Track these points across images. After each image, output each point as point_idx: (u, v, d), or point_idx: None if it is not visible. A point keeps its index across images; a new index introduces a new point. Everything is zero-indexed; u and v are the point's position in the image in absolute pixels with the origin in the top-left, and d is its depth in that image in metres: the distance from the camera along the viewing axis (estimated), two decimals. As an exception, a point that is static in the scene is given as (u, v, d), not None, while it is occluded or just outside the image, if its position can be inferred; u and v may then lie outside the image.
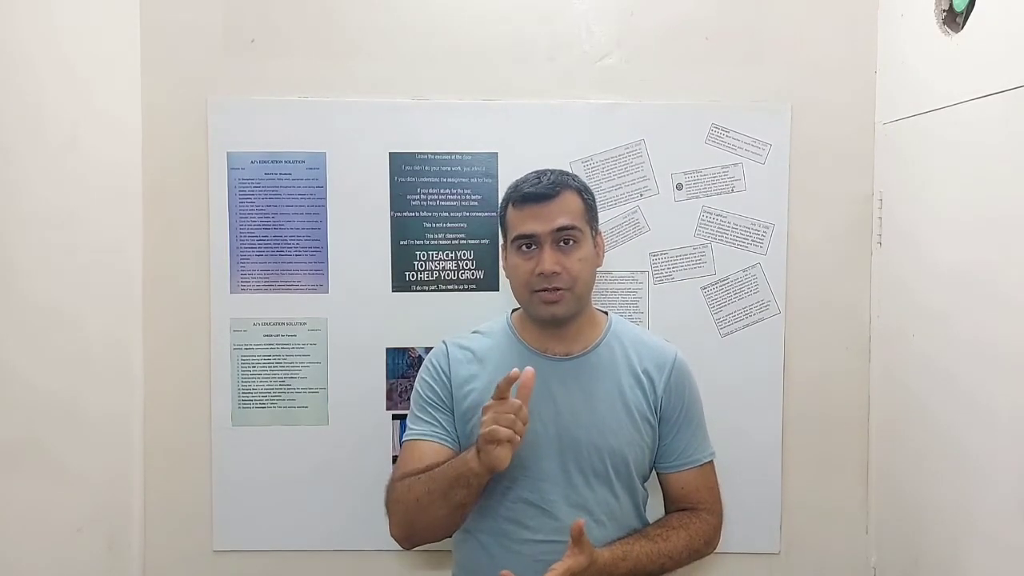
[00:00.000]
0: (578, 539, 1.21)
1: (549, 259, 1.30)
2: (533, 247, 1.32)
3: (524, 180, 1.37)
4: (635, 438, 1.37)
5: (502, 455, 1.18)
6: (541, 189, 1.32)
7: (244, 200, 1.65)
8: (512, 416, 1.18)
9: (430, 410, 1.39)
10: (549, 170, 1.38)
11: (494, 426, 1.17)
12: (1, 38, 1.23)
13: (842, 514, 1.69)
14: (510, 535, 1.34)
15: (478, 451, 1.21)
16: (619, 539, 1.33)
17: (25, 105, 1.29)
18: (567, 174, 1.39)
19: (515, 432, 1.17)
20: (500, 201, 1.41)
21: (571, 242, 1.32)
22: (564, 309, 1.33)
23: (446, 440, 1.37)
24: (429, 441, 1.37)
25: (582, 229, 1.33)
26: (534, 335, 1.40)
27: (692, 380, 1.44)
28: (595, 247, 1.38)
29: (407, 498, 1.29)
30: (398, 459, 1.43)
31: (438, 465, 1.30)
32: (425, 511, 1.28)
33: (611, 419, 1.36)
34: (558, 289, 1.31)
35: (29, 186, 1.29)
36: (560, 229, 1.31)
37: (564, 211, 1.32)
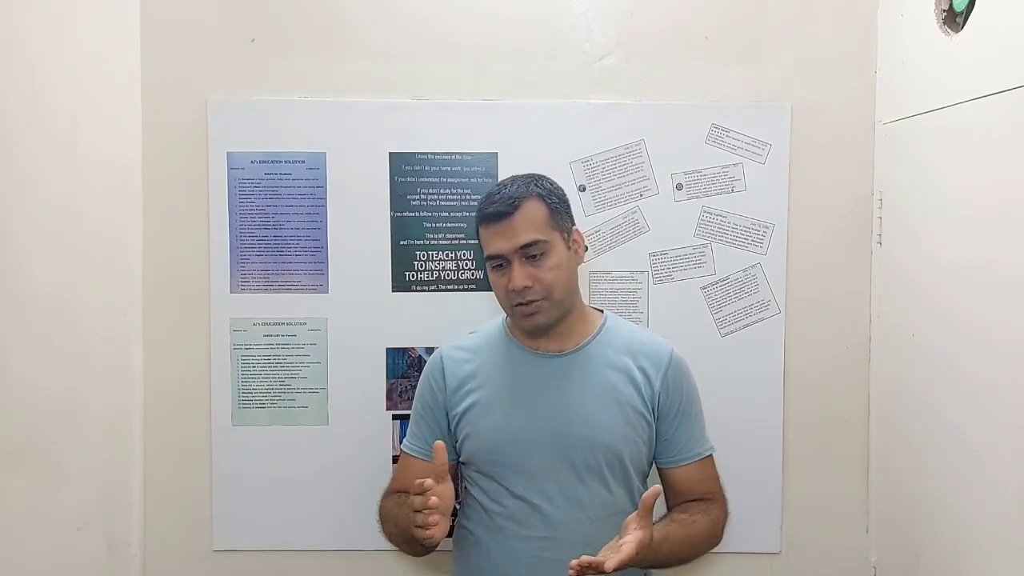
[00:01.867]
0: (649, 510, 1.20)
1: (518, 276, 1.30)
2: (503, 265, 1.33)
3: (489, 195, 1.36)
4: (629, 433, 1.37)
5: (431, 538, 1.20)
6: (498, 208, 1.32)
7: (244, 200, 1.65)
8: (420, 515, 1.18)
9: (421, 424, 1.44)
10: (511, 179, 1.37)
11: (415, 529, 1.19)
12: (4, 38, 1.23)
13: (842, 513, 1.69)
14: (506, 532, 1.35)
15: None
16: (655, 522, 1.31)
17: (27, 105, 1.29)
18: (530, 179, 1.37)
19: (429, 524, 1.18)
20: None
21: (539, 255, 1.32)
22: (545, 318, 1.34)
23: (431, 457, 1.38)
24: (417, 459, 1.42)
25: (548, 239, 1.32)
26: (526, 334, 1.41)
27: (690, 375, 1.44)
28: (570, 247, 1.37)
29: (386, 529, 1.41)
30: (396, 465, 1.50)
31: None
32: (400, 545, 1.40)
33: (604, 415, 1.36)
34: (533, 301, 1.32)
35: (31, 187, 1.29)
36: (523, 246, 1.31)
37: (525, 226, 1.31)
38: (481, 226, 1.36)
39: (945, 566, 1.39)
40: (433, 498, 1.17)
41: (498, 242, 1.32)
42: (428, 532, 1.18)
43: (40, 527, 1.33)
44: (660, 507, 1.46)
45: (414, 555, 1.42)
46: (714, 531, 1.40)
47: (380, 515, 1.43)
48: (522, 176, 1.38)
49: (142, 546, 1.66)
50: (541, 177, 1.39)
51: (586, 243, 1.45)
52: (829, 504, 1.69)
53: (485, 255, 1.36)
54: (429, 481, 1.18)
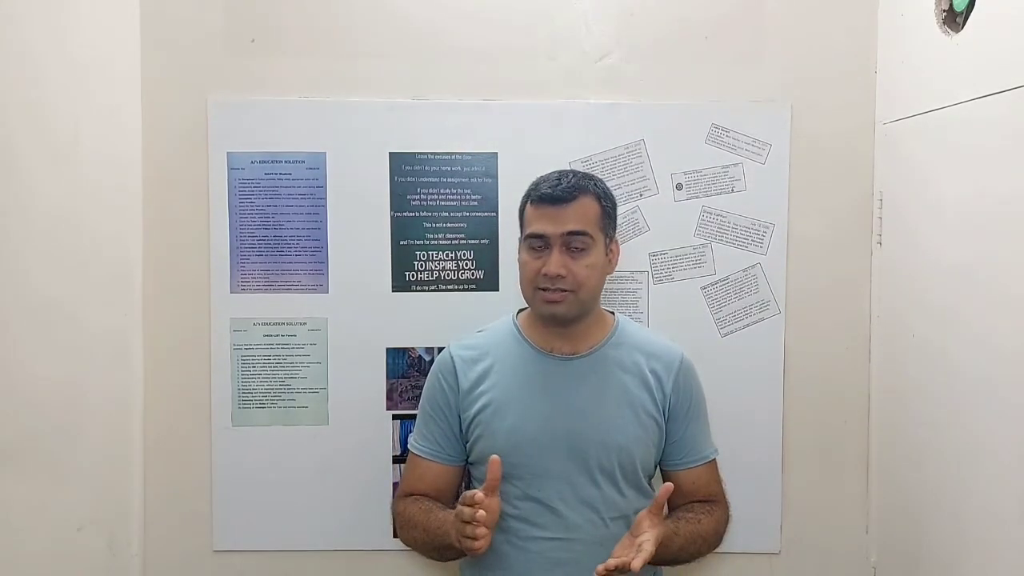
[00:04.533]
0: (661, 506, 1.25)
1: (555, 262, 1.30)
2: (543, 247, 1.33)
3: (546, 179, 1.36)
4: (641, 436, 1.38)
5: (477, 550, 1.21)
6: (559, 192, 1.32)
7: (244, 200, 1.65)
8: (469, 527, 1.20)
9: (431, 424, 1.44)
10: (573, 172, 1.38)
11: (462, 540, 1.21)
12: (4, 39, 1.23)
13: (842, 514, 1.69)
14: (518, 533, 1.35)
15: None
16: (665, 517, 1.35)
17: (27, 105, 1.28)
18: (590, 178, 1.38)
19: (478, 536, 1.19)
20: (522, 196, 1.41)
21: (581, 248, 1.32)
22: (565, 309, 1.33)
23: (443, 459, 1.42)
24: (428, 460, 1.42)
25: (594, 236, 1.33)
26: (539, 334, 1.40)
27: (698, 379, 1.46)
28: (607, 254, 1.37)
29: (408, 535, 1.41)
30: (405, 465, 1.51)
31: (438, 496, 1.41)
32: (423, 551, 1.41)
33: (617, 417, 1.36)
34: (562, 291, 1.31)
35: (31, 187, 1.29)
36: (571, 233, 1.31)
37: (578, 216, 1.31)
38: (531, 205, 1.35)
39: (945, 567, 1.39)
40: (481, 512, 1.18)
41: (546, 224, 1.31)
42: (476, 544, 1.19)
43: (40, 527, 1.32)
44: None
45: (440, 560, 1.42)
46: (718, 531, 1.41)
47: (399, 519, 1.42)
48: (580, 172, 1.39)
49: (142, 546, 1.66)
50: (600, 179, 1.40)
51: (618, 257, 1.43)
52: (829, 504, 1.69)
53: (526, 232, 1.35)
54: (480, 495, 1.19)
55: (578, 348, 1.39)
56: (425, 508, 1.38)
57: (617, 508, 1.36)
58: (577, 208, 1.32)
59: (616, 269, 1.65)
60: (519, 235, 1.41)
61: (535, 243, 1.33)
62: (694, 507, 1.42)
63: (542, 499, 1.34)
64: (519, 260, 1.38)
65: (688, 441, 1.42)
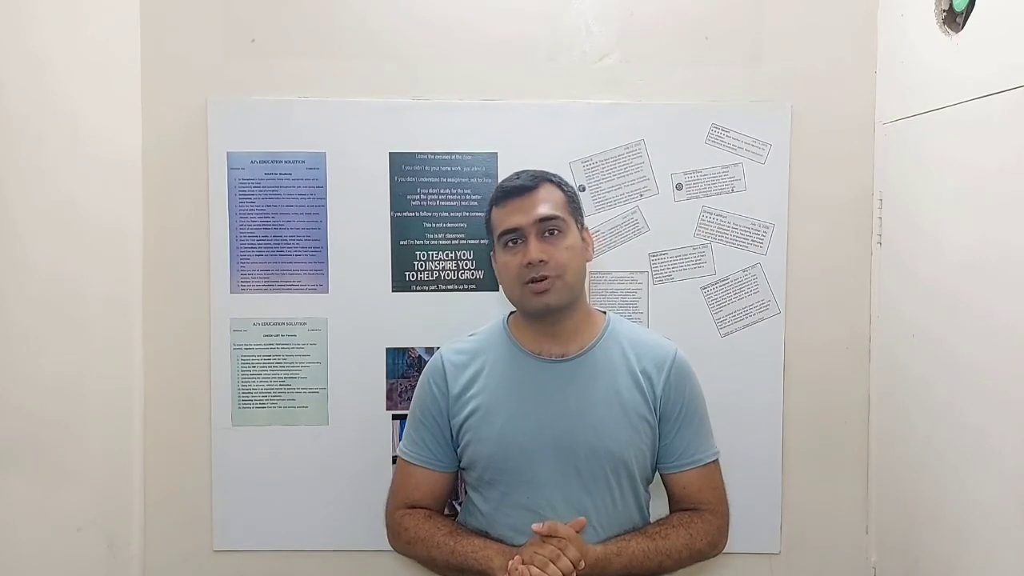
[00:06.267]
0: (550, 535, 1.24)
1: (535, 248, 1.30)
2: (519, 241, 1.33)
3: (504, 180, 1.39)
4: (634, 440, 1.36)
5: None
6: (521, 182, 1.34)
7: (244, 200, 1.65)
8: (545, 559, 1.19)
9: (421, 430, 1.42)
10: (527, 169, 1.40)
11: (521, 567, 1.19)
12: (4, 40, 1.23)
13: (842, 514, 1.69)
14: (509, 541, 1.33)
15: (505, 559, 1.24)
16: (616, 536, 1.33)
17: (29, 105, 1.28)
18: (546, 171, 1.40)
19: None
20: (485, 209, 1.42)
21: (555, 232, 1.33)
22: (555, 298, 1.32)
23: (435, 465, 1.41)
24: (421, 467, 1.41)
25: (565, 219, 1.34)
26: (529, 337, 1.40)
27: (693, 379, 1.42)
28: (583, 240, 1.38)
29: (419, 551, 1.37)
30: (394, 475, 1.49)
31: (435, 504, 1.41)
32: (436, 568, 1.38)
33: (608, 421, 1.34)
34: (546, 277, 1.30)
35: (31, 188, 1.29)
36: (543, 219, 1.32)
37: (545, 201, 1.33)
38: (497, 205, 1.36)
39: (945, 567, 1.39)
40: None
41: (516, 216, 1.32)
42: None
43: (40, 527, 1.32)
44: (664, 509, 1.46)
45: None
46: (695, 544, 1.35)
47: (406, 534, 1.38)
48: (533, 169, 1.40)
49: (142, 546, 1.66)
50: (554, 172, 1.42)
51: (594, 246, 1.45)
52: (829, 504, 1.69)
53: (499, 232, 1.35)
54: None
55: (568, 350, 1.38)
56: (448, 528, 1.36)
57: (609, 515, 1.35)
58: (542, 194, 1.34)
59: (615, 269, 1.66)
60: (492, 248, 1.41)
61: (510, 239, 1.34)
62: (671, 519, 1.39)
63: (532, 507, 1.33)
64: (497, 265, 1.39)
65: (679, 444, 1.39)
